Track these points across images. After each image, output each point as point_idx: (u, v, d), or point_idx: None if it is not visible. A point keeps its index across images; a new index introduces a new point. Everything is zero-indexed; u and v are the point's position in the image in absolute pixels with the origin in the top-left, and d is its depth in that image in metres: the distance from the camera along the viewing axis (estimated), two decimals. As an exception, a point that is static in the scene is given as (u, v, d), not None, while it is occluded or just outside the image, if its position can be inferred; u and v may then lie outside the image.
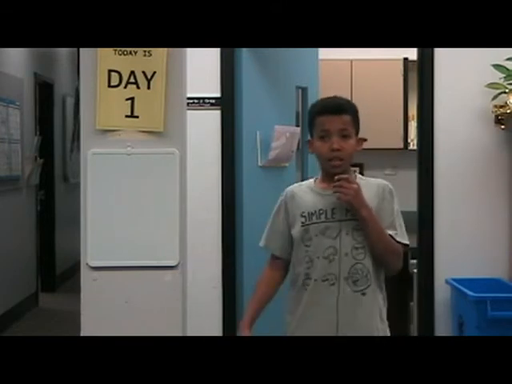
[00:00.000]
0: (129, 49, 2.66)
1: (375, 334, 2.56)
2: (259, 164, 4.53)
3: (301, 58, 4.89)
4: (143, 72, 2.67)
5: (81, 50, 2.72)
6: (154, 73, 2.67)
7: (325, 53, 5.20)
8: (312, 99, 5.02)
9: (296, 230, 2.60)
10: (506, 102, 4.17)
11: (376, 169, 6.37)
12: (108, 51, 2.66)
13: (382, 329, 2.60)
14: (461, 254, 4.35)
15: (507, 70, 4.17)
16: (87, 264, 2.70)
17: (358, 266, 2.53)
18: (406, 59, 6.50)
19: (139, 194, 2.70)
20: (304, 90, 5.09)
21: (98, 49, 2.66)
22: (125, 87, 2.68)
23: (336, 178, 2.51)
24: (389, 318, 2.66)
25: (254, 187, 4.47)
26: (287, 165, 4.77)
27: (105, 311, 2.71)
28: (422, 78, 4.38)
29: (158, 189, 2.70)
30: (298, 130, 4.88)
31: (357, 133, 2.60)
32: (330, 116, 2.56)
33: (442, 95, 4.33)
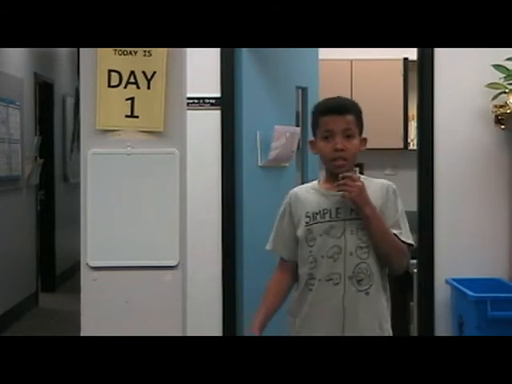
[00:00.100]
0: (129, 49, 2.66)
1: (379, 334, 2.55)
2: (259, 164, 4.53)
3: (301, 58, 4.89)
4: (143, 72, 2.67)
5: (81, 50, 2.72)
6: (154, 73, 2.67)
7: (325, 53, 5.19)
8: (312, 99, 5.03)
9: (300, 231, 2.60)
10: (506, 102, 4.17)
11: (376, 169, 6.37)
12: (108, 51, 2.66)
13: (387, 329, 2.59)
14: (461, 254, 4.35)
15: (507, 69, 4.17)
16: (87, 264, 2.70)
17: (363, 265, 2.53)
18: (406, 59, 6.51)
19: (139, 194, 2.69)
20: (304, 90, 5.09)
21: (98, 49, 2.66)
22: (125, 87, 2.68)
23: (340, 176, 2.52)
24: (389, 317, 2.66)
25: (254, 187, 4.47)
26: (287, 165, 4.77)
27: (105, 311, 2.71)
28: (421, 78, 4.38)
29: (158, 189, 2.70)
30: (298, 129, 4.88)
31: (360, 133, 2.61)
32: (334, 116, 2.56)
33: (442, 95, 4.33)
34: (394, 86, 6.56)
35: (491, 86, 4.19)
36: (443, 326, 4.34)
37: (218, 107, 4.36)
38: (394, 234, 2.55)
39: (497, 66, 4.17)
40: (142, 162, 2.70)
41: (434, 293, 4.36)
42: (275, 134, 4.51)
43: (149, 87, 2.67)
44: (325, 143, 2.57)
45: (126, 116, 2.68)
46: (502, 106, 4.20)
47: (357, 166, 4.78)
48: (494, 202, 4.36)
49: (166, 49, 2.66)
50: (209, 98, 4.35)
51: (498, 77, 4.18)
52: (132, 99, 2.67)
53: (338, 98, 2.68)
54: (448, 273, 4.32)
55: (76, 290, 2.90)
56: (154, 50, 2.66)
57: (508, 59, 4.14)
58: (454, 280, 4.23)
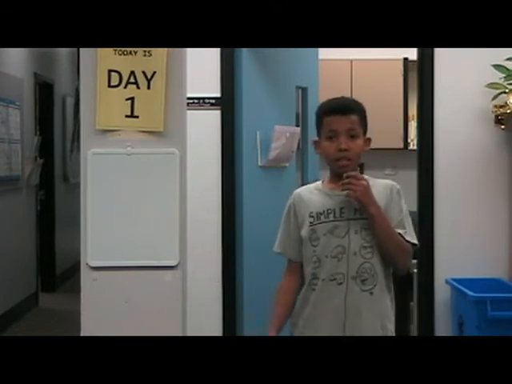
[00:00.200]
0: (129, 49, 2.66)
1: (383, 334, 2.55)
2: (259, 164, 4.53)
3: (301, 57, 4.89)
4: (143, 72, 2.67)
5: (81, 50, 2.72)
6: (154, 73, 2.67)
7: (325, 53, 5.20)
8: (312, 99, 5.03)
9: (304, 231, 2.60)
10: (506, 102, 4.17)
11: (376, 169, 6.36)
12: (108, 51, 2.66)
13: (390, 329, 2.59)
14: (461, 254, 4.35)
15: (507, 69, 4.17)
16: (87, 264, 2.70)
17: (366, 265, 2.53)
18: (406, 59, 6.51)
19: (139, 194, 2.69)
20: (304, 90, 5.09)
21: (98, 49, 2.66)
22: (125, 87, 2.67)
23: (345, 175, 2.51)
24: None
25: (254, 187, 4.48)
26: (287, 165, 4.77)
27: (105, 311, 2.71)
28: (421, 78, 4.38)
29: (158, 189, 2.70)
30: (298, 130, 4.89)
31: (364, 133, 2.61)
32: (338, 116, 2.56)
33: (442, 95, 4.34)
34: (394, 85, 6.57)
35: (491, 85, 4.19)
36: (443, 326, 4.34)
37: (218, 107, 4.36)
38: (399, 233, 2.55)
39: (497, 66, 4.17)
40: (141, 162, 2.70)
41: (433, 293, 4.37)
42: (275, 134, 4.51)
43: (149, 87, 2.67)
44: (329, 143, 2.57)
45: (126, 116, 2.68)
46: (502, 106, 4.20)
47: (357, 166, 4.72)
48: (493, 202, 4.36)
49: (165, 49, 2.66)
50: (209, 98, 4.35)
51: (498, 77, 4.18)
52: (132, 99, 2.67)
53: (342, 98, 2.68)
54: (448, 273, 4.32)
55: (76, 289, 2.90)
56: (154, 50, 2.66)
57: (508, 59, 4.14)
58: (454, 280, 4.23)
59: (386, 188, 2.61)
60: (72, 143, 8.59)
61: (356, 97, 2.77)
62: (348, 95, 5.35)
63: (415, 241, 2.60)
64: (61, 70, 8.51)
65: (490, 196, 4.36)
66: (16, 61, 6.77)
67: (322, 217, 2.57)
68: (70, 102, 8.61)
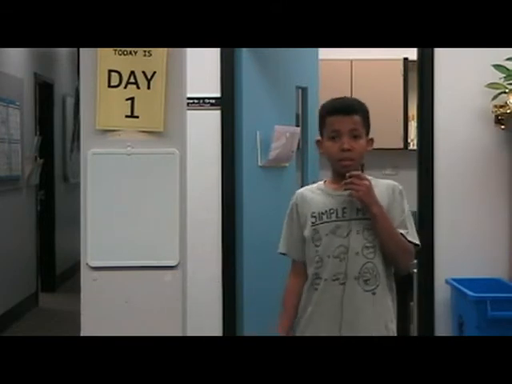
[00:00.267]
0: (129, 49, 2.66)
1: (385, 334, 2.55)
2: (259, 164, 4.53)
3: (301, 57, 4.89)
4: (143, 72, 2.67)
5: (81, 50, 2.72)
6: (154, 73, 2.67)
7: (325, 53, 5.20)
8: (312, 99, 5.03)
9: (307, 231, 2.60)
10: (506, 102, 4.17)
11: (376, 169, 6.35)
12: (108, 51, 2.66)
13: (392, 329, 2.59)
14: (461, 254, 4.35)
15: (507, 69, 4.17)
16: (87, 264, 2.70)
17: (369, 265, 2.53)
18: (406, 59, 6.51)
19: (139, 194, 2.69)
20: (304, 90, 5.09)
21: (98, 49, 2.66)
22: (125, 87, 2.67)
23: (347, 174, 2.51)
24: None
25: (254, 187, 4.48)
26: (287, 165, 4.77)
27: (105, 311, 2.71)
28: (421, 78, 4.38)
29: (158, 189, 2.70)
30: (298, 130, 4.89)
31: (367, 133, 2.61)
32: (341, 116, 2.56)
33: (442, 95, 4.34)
34: (394, 85, 6.56)
35: (491, 85, 4.19)
36: (443, 326, 4.34)
37: (218, 107, 4.36)
38: (401, 233, 2.55)
39: (497, 66, 4.17)
40: (141, 162, 2.70)
41: (434, 293, 4.36)
42: (275, 134, 4.51)
43: (149, 87, 2.67)
44: (332, 143, 2.57)
45: (126, 116, 2.68)
46: (502, 106, 4.20)
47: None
48: (493, 202, 4.36)
49: (165, 49, 2.66)
50: (209, 98, 4.35)
51: (498, 77, 4.18)
52: (132, 99, 2.67)
53: (345, 98, 2.68)
54: (448, 273, 4.32)
55: (76, 289, 2.90)
56: (154, 50, 2.66)
57: (508, 59, 4.14)
58: (454, 280, 4.23)
59: (389, 188, 2.61)
60: (72, 143, 8.59)
61: (356, 97, 2.77)
62: (348, 95, 5.35)
63: (417, 241, 2.60)
64: (61, 70, 8.51)
65: (489, 196, 4.36)
66: (16, 61, 6.77)
67: (325, 217, 2.57)
68: (70, 101, 8.61)
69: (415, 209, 4.38)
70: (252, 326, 4.30)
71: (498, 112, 4.22)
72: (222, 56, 4.33)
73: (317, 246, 2.57)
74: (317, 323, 2.57)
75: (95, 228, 2.69)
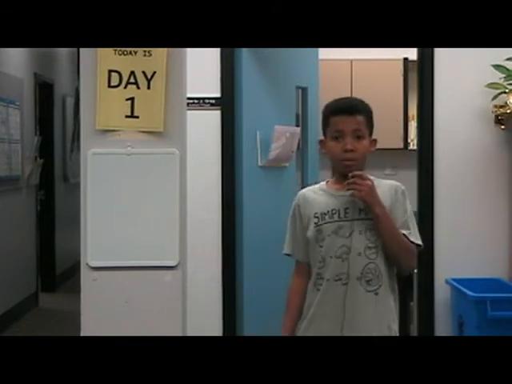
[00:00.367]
0: (129, 49, 2.66)
1: (388, 334, 2.55)
2: (259, 164, 4.53)
3: (301, 57, 4.89)
4: (143, 72, 2.67)
5: (81, 50, 2.72)
6: (154, 73, 2.67)
7: (325, 53, 5.20)
8: (312, 99, 5.04)
9: (310, 231, 2.59)
10: (506, 102, 4.18)
11: (376, 169, 6.33)
12: (108, 51, 2.66)
13: (394, 329, 2.59)
14: (461, 254, 4.35)
15: (507, 70, 4.17)
16: (87, 264, 2.70)
17: (371, 265, 2.52)
18: (406, 59, 6.52)
19: (139, 194, 2.70)
20: (304, 90, 5.09)
21: (98, 49, 2.66)
22: (125, 87, 2.68)
23: (350, 174, 2.51)
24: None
25: (254, 187, 4.48)
26: (287, 165, 4.77)
27: (105, 311, 2.71)
28: (421, 78, 4.38)
29: (158, 189, 2.70)
30: (298, 130, 4.89)
31: (370, 134, 2.60)
32: (344, 116, 2.55)
33: (442, 95, 4.34)
34: (394, 85, 6.57)
35: (491, 85, 4.19)
36: (443, 326, 4.34)
37: (218, 107, 4.36)
38: (403, 234, 2.55)
39: (497, 66, 4.17)
40: (141, 162, 2.70)
41: (434, 293, 4.37)
42: (275, 134, 4.51)
43: (149, 87, 2.67)
44: (335, 143, 2.57)
45: (126, 116, 2.68)
46: (502, 106, 4.20)
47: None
48: (493, 202, 4.36)
49: (165, 49, 2.66)
50: (209, 98, 4.35)
51: (498, 77, 4.18)
52: (132, 99, 2.67)
53: (349, 98, 2.68)
54: (448, 273, 4.32)
55: (76, 289, 2.90)
56: (154, 50, 2.66)
57: (508, 59, 4.14)
58: (454, 280, 4.23)
59: (391, 188, 2.61)
60: (72, 143, 8.59)
61: (356, 97, 2.77)
62: (348, 95, 5.35)
63: (419, 242, 2.59)
64: (61, 70, 8.51)
65: (489, 196, 4.36)
66: (16, 61, 6.77)
67: (327, 217, 2.56)
68: (70, 101, 8.61)
69: (415, 209, 4.39)
70: (252, 326, 4.30)
71: (498, 112, 4.22)
72: (222, 56, 4.33)
73: (320, 246, 2.57)
74: (319, 323, 2.57)
75: (95, 228, 2.70)
